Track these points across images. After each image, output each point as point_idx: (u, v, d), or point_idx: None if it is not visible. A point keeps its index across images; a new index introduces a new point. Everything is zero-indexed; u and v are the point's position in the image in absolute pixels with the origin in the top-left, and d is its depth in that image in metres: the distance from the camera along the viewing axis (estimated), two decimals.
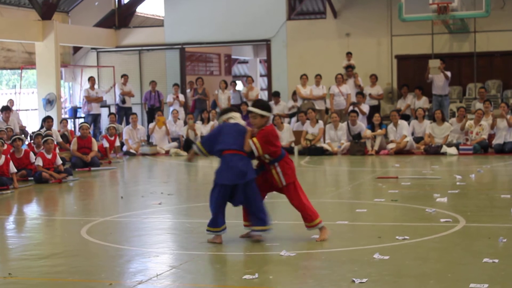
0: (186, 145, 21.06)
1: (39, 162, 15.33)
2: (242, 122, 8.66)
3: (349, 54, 23.29)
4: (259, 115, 8.52)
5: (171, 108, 23.61)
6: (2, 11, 23.53)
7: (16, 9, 24.17)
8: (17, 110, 22.81)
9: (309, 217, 8.53)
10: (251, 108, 8.64)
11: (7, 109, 20.56)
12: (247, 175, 8.27)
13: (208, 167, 18.39)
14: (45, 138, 15.85)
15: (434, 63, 21.70)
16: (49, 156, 15.49)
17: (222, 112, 8.87)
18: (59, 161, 15.64)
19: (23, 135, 17.12)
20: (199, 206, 11.57)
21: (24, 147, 16.22)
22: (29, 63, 24.47)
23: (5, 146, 15.16)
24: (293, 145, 20.17)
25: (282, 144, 20.16)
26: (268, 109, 8.60)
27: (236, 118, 8.70)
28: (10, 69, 25.67)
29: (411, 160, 17.98)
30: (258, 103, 8.74)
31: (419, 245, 8.09)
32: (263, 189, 8.69)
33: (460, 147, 18.69)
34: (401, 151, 19.08)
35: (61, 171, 15.51)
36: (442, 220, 9.50)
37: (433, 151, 18.83)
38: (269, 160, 8.50)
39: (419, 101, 21.83)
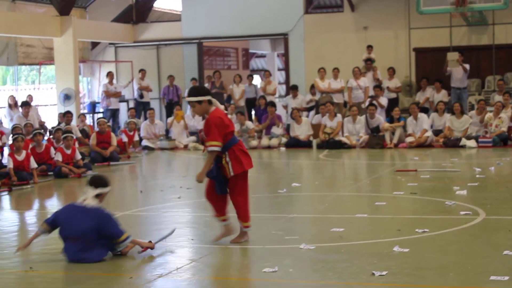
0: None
1: (59, 157, 15.40)
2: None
3: (369, 47, 23.21)
4: (196, 102, 7.92)
5: None
6: (20, 7, 23.62)
7: (34, 5, 24.26)
8: (36, 105, 22.91)
9: (243, 216, 8.09)
10: (187, 99, 8.16)
11: (26, 104, 20.65)
12: None
13: None
14: (64, 135, 15.92)
15: (452, 56, 21.59)
16: (69, 151, 15.56)
17: None
18: (78, 156, 15.71)
19: (42, 130, 17.17)
20: None
21: (44, 142, 16.29)
22: (49, 59, 24.56)
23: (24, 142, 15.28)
24: (311, 138, 20.14)
25: (300, 137, 20.16)
26: (202, 92, 7.99)
27: None
28: (30, 64, 25.77)
29: (430, 153, 17.92)
30: (190, 91, 8.12)
31: (439, 238, 8.08)
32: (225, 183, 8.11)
33: (480, 139, 18.60)
34: (421, 145, 19.00)
35: (80, 166, 15.58)
36: (462, 212, 9.48)
37: (452, 144, 18.75)
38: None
39: (438, 94, 21.73)
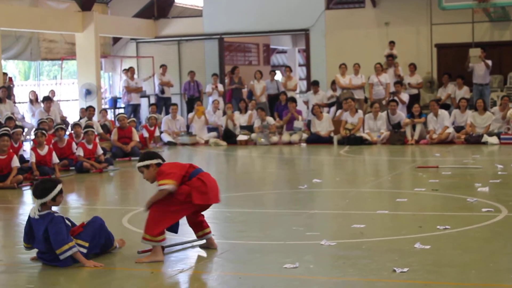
0: (226, 135, 21.20)
1: (80, 152, 15.46)
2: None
3: (391, 43, 23.13)
4: (144, 167, 7.47)
5: (210, 98, 23.65)
6: (42, 2, 23.73)
7: (56, 0, 24.35)
8: (58, 100, 23.01)
9: (148, 229, 7.33)
10: (137, 166, 7.57)
11: (48, 99, 20.75)
12: None
13: (248, 156, 18.45)
14: (85, 130, 15.99)
15: (474, 52, 21.46)
16: (90, 146, 15.62)
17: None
18: (99, 151, 15.77)
19: (64, 125, 17.26)
20: (239, 196, 11.61)
21: (66, 137, 16.37)
22: (71, 54, 24.66)
23: (46, 136, 15.35)
24: (332, 134, 20.11)
25: (321, 133, 20.13)
26: (151, 157, 7.50)
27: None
28: (52, 60, 25.90)
29: (451, 149, 17.84)
30: (140, 157, 7.64)
31: (460, 235, 8.05)
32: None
33: (502, 136, 18.49)
34: (442, 141, 18.91)
35: (101, 161, 15.64)
36: (483, 209, 9.42)
37: (474, 140, 18.64)
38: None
39: (460, 91, 21.62)
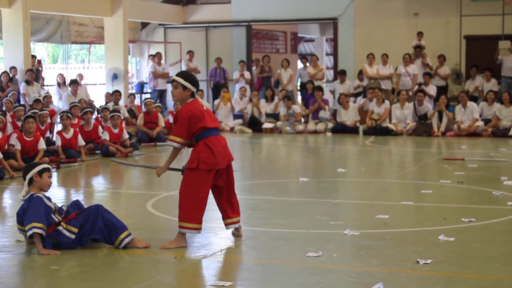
0: (251, 122, 21.20)
1: (106, 136, 15.54)
2: None
3: (419, 34, 22.97)
4: (181, 85, 7.30)
5: (237, 85, 23.65)
6: None
7: None
8: (85, 84, 23.11)
9: (181, 216, 7.29)
10: (174, 77, 7.41)
11: (75, 82, 20.84)
12: None
13: (273, 144, 18.44)
14: (112, 114, 16.06)
15: (504, 45, 21.30)
16: (116, 131, 15.69)
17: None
18: (125, 136, 15.83)
19: (91, 109, 17.33)
20: (263, 183, 11.62)
21: (93, 121, 16.45)
22: (100, 38, 24.74)
23: (76, 120, 15.45)
24: (358, 124, 20.05)
25: (347, 123, 20.08)
26: (193, 83, 7.35)
27: None
28: (81, 43, 26.01)
29: (478, 142, 17.73)
30: (183, 72, 7.53)
31: (485, 228, 8.00)
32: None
33: None
34: (469, 134, 18.79)
35: (127, 145, 15.70)
36: (509, 203, 9.37)
37: (501, 133, 18.52)
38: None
39: (488, 83, 21.47)
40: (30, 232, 7.03)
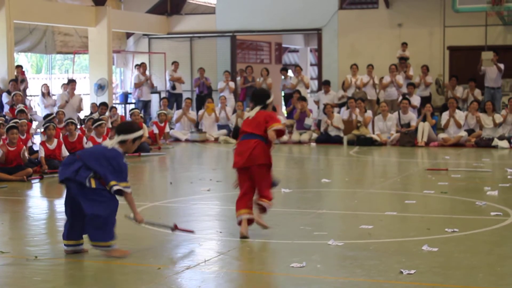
0: (236, 133, 21.19)
1: (90, 145, 15.49)
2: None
3: (404, 45, 23.06)
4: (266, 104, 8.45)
5: (220, 95, 23.69)
6: None
7: None
8: (79, 94, 23.03)
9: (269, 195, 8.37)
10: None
11: (72, 81, 20.70)
12: None
13: None
14: (98, 123, 15.99)
15: (487, 55, 21.42)
16: (100, 140, 15.64)
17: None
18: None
19: (74, 119, 17.26)
20: None
21: (78, 132, 16.38)
22: (86, 48, 24.68)
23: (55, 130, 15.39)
24: (341, 134, 20.07)
25: (331, 134, 20.10)
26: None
27: None
28: (67, 53, 25.96)
29: (461, 152, 17.80)
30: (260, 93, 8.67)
31: (468, 238, 8.03)
32: None
33: None
34: (453, 144, 18.87)
35: None
36: (492, 213, 9.41)
37: (484, 144, 18.61)
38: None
39: (471, 93, 21.58)
40: (115, 188, 7.21)
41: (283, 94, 24.37)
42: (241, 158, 8.17)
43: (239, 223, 8.12)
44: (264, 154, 8.24)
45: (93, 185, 7.17)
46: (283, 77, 23.96)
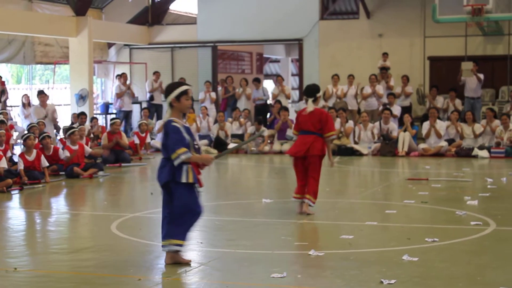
0: (217, 143, 21.18)
1: (66, 153, 15.41)
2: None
3: (385, 55, 23.17)
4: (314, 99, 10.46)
5: (202, 105, 23.67)
6: (37, 6, 23.72)
7: (50, 5, 24.35)
8: (53, 104, 22.92)
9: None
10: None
11: (42, 93, 20.56)
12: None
13: (238, 165, 18.44)
14: (70, 131, 15.85)
15: (467, 65, 21.54)
16: (75, 147, 15.51)
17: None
18: (88, 150, 15.84)
19: (49, 132, 17.14)
20: (228, 204, 11.60)
21: (58, 143, 16.31)
22: (66, 58, 24.61)
23: (36, 140, 15.26)
24: None
25: None
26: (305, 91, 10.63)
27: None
28: (47, 63, 25.86)
29: (442, 162, 17.87)
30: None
31: (448, 248, 8.05)
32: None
33: (492, 150, 18.54)
34: (433, 154, 18.95)
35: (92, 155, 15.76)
36: (472, 223, 9.44)
37: (465, 153, 18.70)
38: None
39: (452, 103, 21.69)
40: (178, 161, 7.16)
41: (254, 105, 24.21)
42: (302, 149, 10.18)
43: (300, 205, 10.30)
44: (320, 147, 10.18)
45: (190, 179, 7.25)
46: (255, 88, 23.91)
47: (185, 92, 7.38)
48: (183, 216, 7.25)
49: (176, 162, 7.16)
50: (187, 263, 7.27)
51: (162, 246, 7.31)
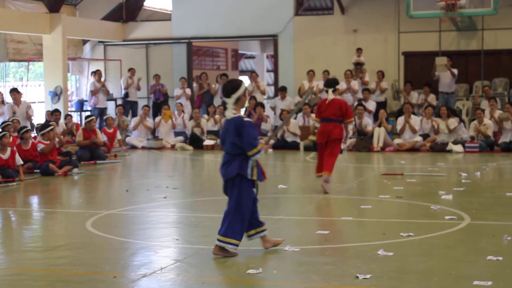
0: (192, 140, 21.15)
1: (40, 146, 15.29)
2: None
3: (359, 50, 23.23)
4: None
5: (177, 102, 23.62)
6: (10, 3, 23.54)
7: (24, 2, 24.18)
8: (27, 101, 22.74)
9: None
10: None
11: (15, 90, 20.37)
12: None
13: (214, 161, 18.42)
14: (42, 132, 15.73)
15: (441, 61, 21.64)
16: (47, 142, 15.40)
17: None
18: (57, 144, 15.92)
19: (29, 127, 17.04)
20: (204, 200, 11.59)
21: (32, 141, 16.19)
22: (39, 55, 24.45)
23: (11, 138, 15.14)
24: (298, 140, 20.13)
25: (288, 140, 20.18)
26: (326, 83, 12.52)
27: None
28: (20, 61, 25.67)
29: (417, 157, 17.96)
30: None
31: (423, 242, 8.10)
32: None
33: (466, 144, 18.65)
34: (408, 149, 19.04)
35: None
36: (447, 217, 9.50)
37: (439, 148, 18.80)
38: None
39: (426, 98, 21.79)
40: (257, 156, 7.54)
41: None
42: (324, 137, 11.97)
43: (322, 182, 11.86)
44: (338, 132, 11.94)
45: (255, 175, 7.60)
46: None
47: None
48: (241, 211, 7.60)
49: (255, 157, 7.54)
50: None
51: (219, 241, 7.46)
